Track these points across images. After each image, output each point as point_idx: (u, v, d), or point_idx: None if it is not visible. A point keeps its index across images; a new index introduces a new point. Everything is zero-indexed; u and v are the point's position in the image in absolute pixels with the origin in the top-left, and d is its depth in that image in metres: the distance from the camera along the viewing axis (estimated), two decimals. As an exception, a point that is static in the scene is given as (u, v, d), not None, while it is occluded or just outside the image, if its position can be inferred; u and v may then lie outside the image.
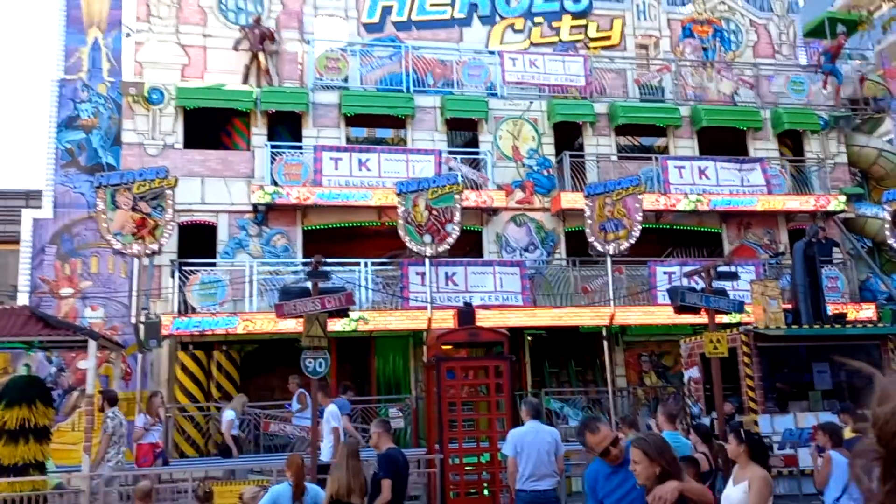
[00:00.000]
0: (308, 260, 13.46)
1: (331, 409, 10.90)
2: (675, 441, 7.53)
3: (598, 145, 18.35)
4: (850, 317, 15.76)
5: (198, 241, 16.03)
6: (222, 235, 16.06)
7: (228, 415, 12.96)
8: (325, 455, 10.71)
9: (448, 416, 10.59)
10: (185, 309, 14.53)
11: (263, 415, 14.11)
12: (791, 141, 20.03)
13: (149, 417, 11.37)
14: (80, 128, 16.49)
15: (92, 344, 10.32)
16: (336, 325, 13.41)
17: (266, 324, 14.28)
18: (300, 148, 16.57)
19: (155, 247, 13.92)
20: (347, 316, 11.54)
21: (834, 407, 11.85)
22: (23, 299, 15.19)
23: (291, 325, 13.31)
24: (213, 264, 15.50)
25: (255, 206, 16.02)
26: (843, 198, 18.54)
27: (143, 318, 13.80)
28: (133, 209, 13.79)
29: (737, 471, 5.47)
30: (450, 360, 11.19)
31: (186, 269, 14.84)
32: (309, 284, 10.49)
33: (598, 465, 4.86)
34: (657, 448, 3.95)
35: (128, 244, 13.81)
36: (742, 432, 5.60)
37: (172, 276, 14.84)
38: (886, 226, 17.71)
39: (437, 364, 10.77)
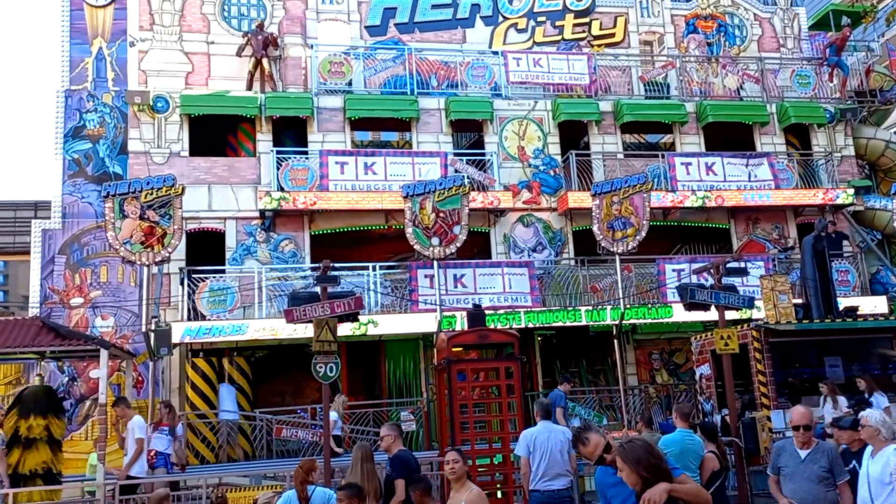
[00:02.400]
0: (316, 265, 13.47)
1: (135, 420, 10.77)
2: (689, 439, 7.51)
3: (604, 144, 18.32)
4: (861, 310, 15.67)
5: (206, 249, 16.07)
6: (230, 242, 16.10)
7: (331, 416, 13.00)
8: (132, 469, 10.53)
9: (460, 418, 10.57)
10: (195, 316, 14.56)
11: (275, 420, 14.12)
12: (798, 135, 19.95)
13: (148, 424, 11.41)
14: (87, 138, 16.55)
15: (103, 353, 10.34)
16: (346, 330, 13.40)
17: (276, 330, 14.28)
18: (306, 153, 16.59)
19: (164, 255, 13.97)
20: (357, 320, 11.51)
21: (847, 401, 11.77)
22: (34, 309, 15.27)
23: (301, 331, 13.30)
24: (222, 271, 15.54)
25: (262, 212, 16.06)
26: (851, 191, 18.45)
27: (153, 327, 13.83)
28: (141, 218, 13.82)
29: (455, 491, 5.78)
30: (460, 363, 11.16)
31: (195, 276, 14.87)
32: (318, 289, 10.49)
33: (602, 469, 4.97)
34: (634, 457, 3.92)
35: (136, 253, 13.85)
36: (461, 452, 5.90)
37: (182, 284, 14.87)
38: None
39: (447, 366, 10.74)
